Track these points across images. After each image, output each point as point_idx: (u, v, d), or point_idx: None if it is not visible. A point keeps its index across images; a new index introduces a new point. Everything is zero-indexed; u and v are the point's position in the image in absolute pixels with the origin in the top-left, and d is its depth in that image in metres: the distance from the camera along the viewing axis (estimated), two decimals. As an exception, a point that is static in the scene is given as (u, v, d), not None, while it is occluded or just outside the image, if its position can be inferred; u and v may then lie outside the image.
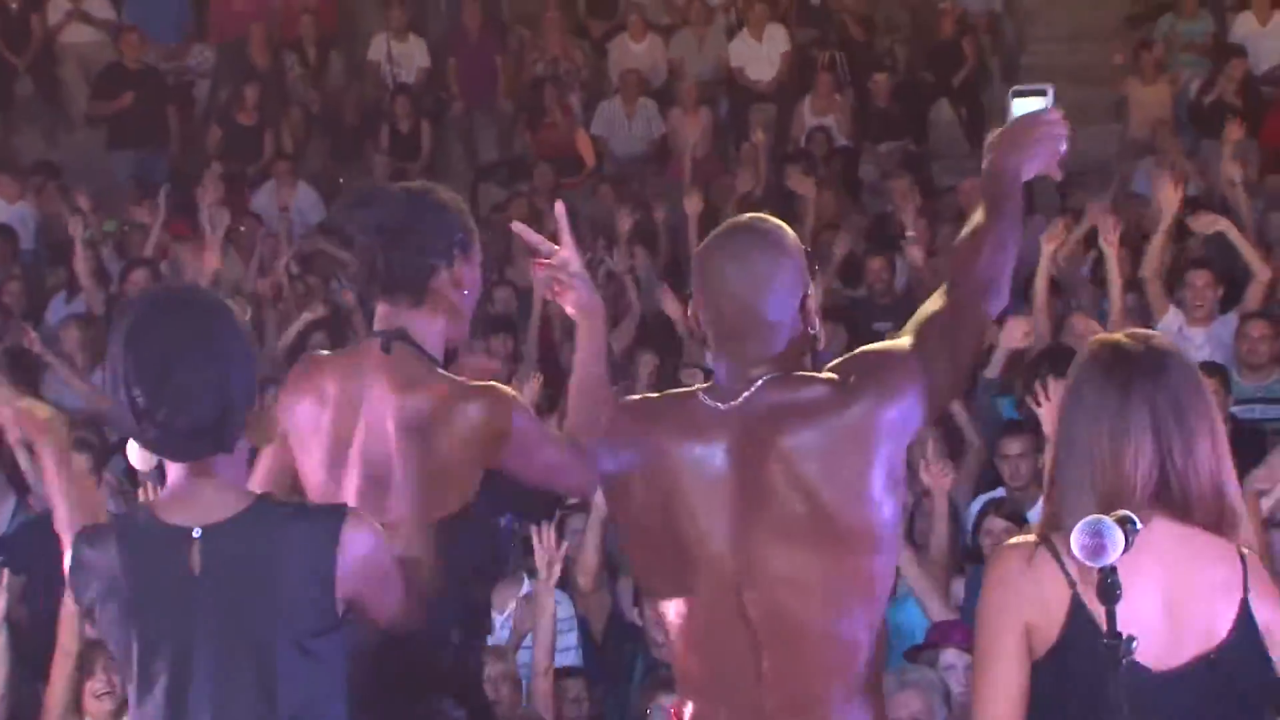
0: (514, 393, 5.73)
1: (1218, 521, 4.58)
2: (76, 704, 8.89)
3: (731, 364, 5.20)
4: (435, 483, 5.39)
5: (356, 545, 4.78)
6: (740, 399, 5.14)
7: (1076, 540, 4.31)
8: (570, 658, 9.78)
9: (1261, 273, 13.05)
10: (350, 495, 5.31)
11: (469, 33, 18.37)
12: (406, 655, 5.50)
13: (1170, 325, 12.66)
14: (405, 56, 18.26)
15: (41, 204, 16.52)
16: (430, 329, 5.58)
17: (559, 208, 5.80)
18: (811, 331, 5.33)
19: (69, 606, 8.68)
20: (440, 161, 17.89)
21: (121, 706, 8.59)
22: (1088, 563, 4.34)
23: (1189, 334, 12.77)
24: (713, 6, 18.29)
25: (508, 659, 9.41)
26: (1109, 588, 4.30)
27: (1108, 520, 4.30)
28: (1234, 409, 11.86)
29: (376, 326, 5.49)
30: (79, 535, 4.94)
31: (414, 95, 17.88)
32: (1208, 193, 15.05)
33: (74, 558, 4.91)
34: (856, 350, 5.48)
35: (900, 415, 5.24)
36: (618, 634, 9.83)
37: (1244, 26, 17.39)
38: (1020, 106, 5.72)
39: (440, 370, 5.63)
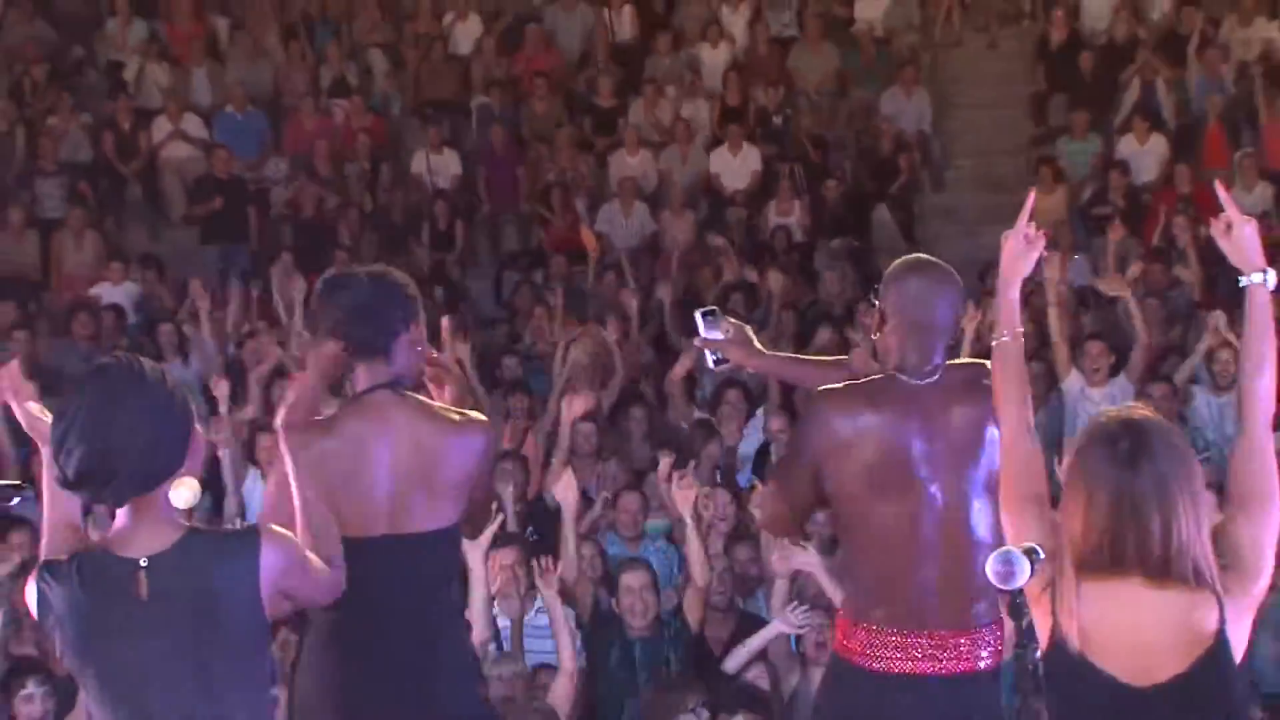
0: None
1: (1193, 580, 4.50)
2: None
3: (921, 354, 5.72)
4: (460, 490, 5.76)
5: (273, 558, 4.83)
6: (935, 377, 5.73)
7: (990, 567, 4.43)
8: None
9: (1144, 337, 13.15)
10: (415, 506, 5.66)
11: (495, 148, 18.33)
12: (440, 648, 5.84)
13: (1073, 386, 12.86)
14: (442, 167, 18.21)
15: (144, 287, 16.23)
16: (402, 378, 5.89)
17: (444, 323, 6.63)
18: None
19: None
20: (471, 253, 17.82)
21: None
22: (1000, 586, 4.47)
23: (1089, 394, 12.85)
24: (694, 128, 18.18)
25: (517, 660, 9.30)
26: (1017, 607, 4.31)
27: (1016, 551, 4.39)
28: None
29: (365, 384, 5.79)
30: (43, 567, 4.92)
31: (450, 199, 17.78)
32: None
33: (38, 588, 4.90)
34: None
35: None
36: (600, 626, 9.51)
37: (1127, 146, 17.47)
38: (703, 325, 6.37)
39: (438, 404, 6.06)
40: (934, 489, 5.70)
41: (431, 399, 6.00)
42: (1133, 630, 4.51)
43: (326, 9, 20.20)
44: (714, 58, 19.21)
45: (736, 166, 18.06)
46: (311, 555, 5.02)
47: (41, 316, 15.71)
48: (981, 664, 5.69)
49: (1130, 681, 4.48)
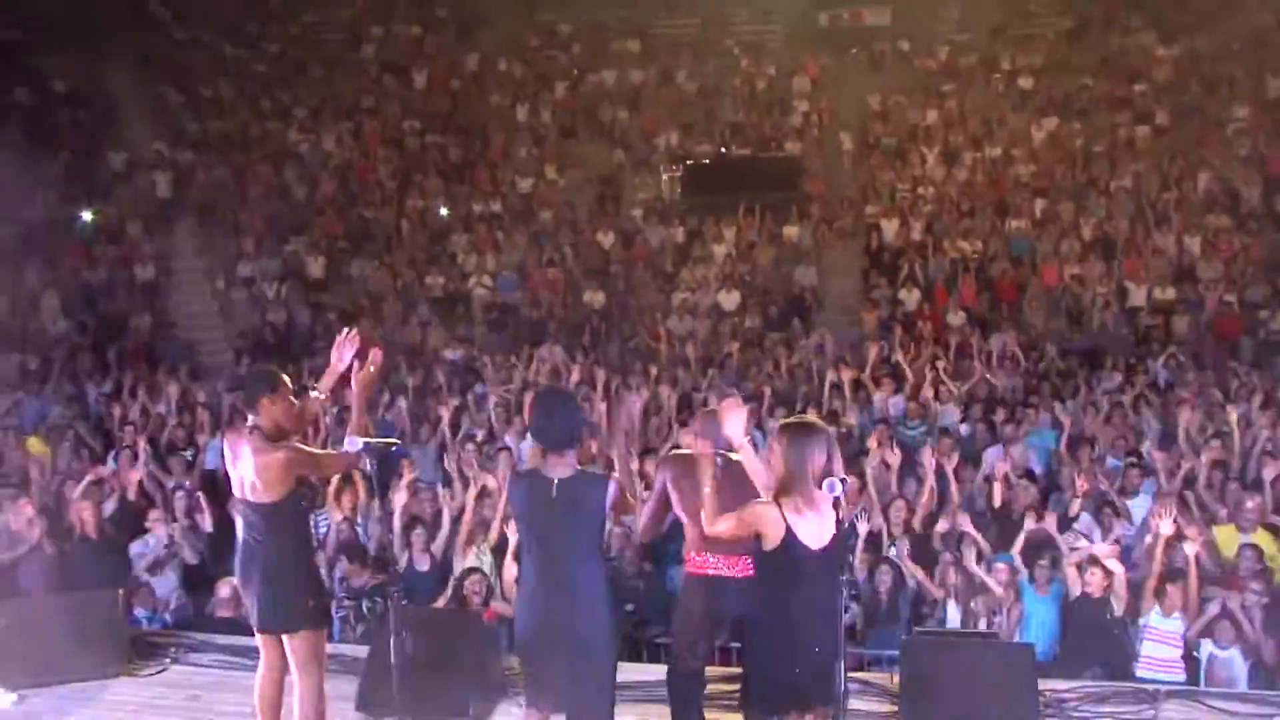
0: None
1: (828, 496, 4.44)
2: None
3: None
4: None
5: (613, 489, 4.73)
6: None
7: (826, 486, 4.34)
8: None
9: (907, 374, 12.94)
10: None
11: (625, 298, 18.65)
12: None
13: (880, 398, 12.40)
14: (596, 301, 18.32)
15: (464, 351, 16.25)
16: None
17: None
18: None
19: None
20: (609, 334, 17.44)
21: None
22: (831, 494, 4.34)
23: (893, 402, 12.61)
24: (710, 282, 18.21)
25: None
26: (838, 503, 4.40)
27: (836, 479, 4.36)
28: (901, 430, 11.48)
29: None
30: (514, 475, 4.96)
31: (600, 313, 18.00)
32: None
33: (510, 487, 4.95)
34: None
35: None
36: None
37: (904, 294, 17.49)
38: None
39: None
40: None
41: None
42: (818, 523, 4.49)
43: (543, 226, 20.33)
44: (717, 251, 19.26)
45: (728, 300, 17.99)
46: (626, 492, 4.82)
47: (420, 365, 15.33)
48: (734, 573, 5.27)
49: (814, 547, 4.50)
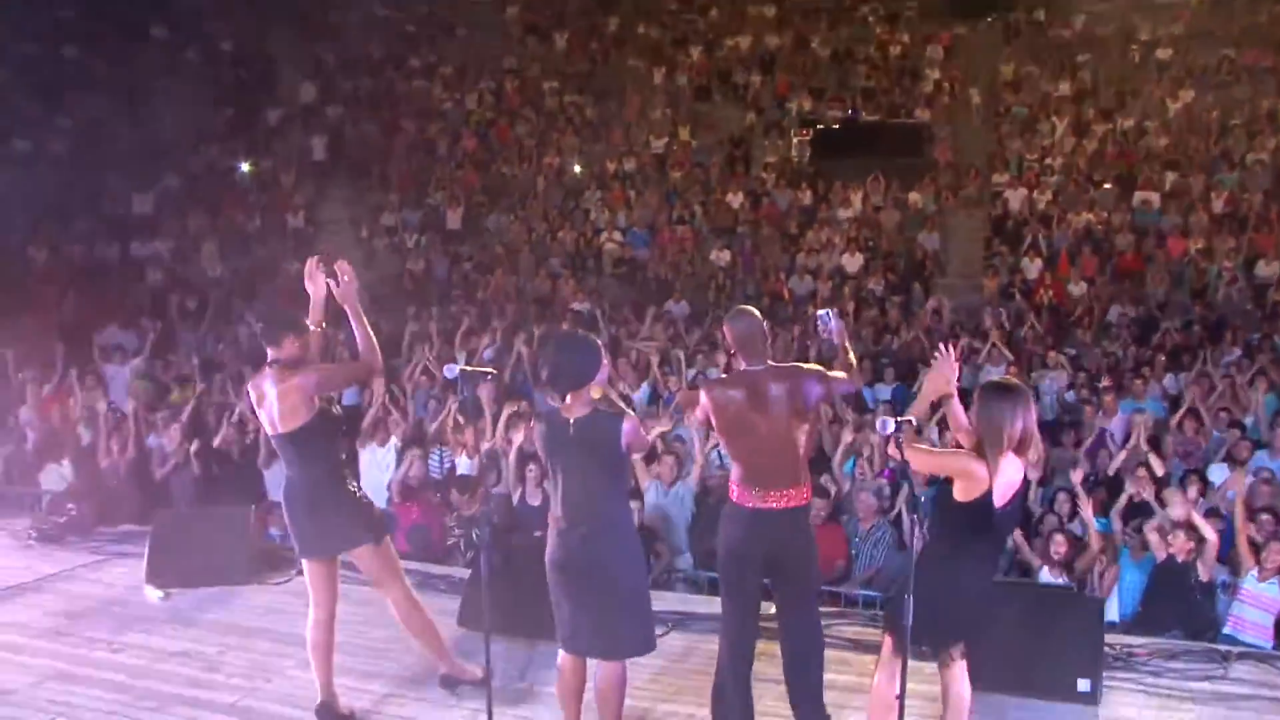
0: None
1: (1024, 451, 4.47)
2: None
3: (750, 358, 4.96)
4: None
5: (626, 427, 4.67)
6: (761, 367, 4.98)
7: (879, 425, 4.30)
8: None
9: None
10: None
11: (748, 250, 18.43)
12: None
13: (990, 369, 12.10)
14: (721, 259, 18.32)
15: (593, 303, 16.02)
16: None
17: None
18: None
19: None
20: (733, 293, 17.24)
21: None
22: (882, 434, 4.27)
23: (990, 369, 12.23)
24: (836, 245, 18.21)
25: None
26: (899, 442, 4.31)
27: (889, 419, 4.23)
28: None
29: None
30: (536, 415, 5.02)
31: (726, 272, 18.00)
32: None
33: (537, 424, 4.91)
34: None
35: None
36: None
37: (1027, 263, 17.31)
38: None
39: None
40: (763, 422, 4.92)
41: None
42: (1007, 480, 4.46)
43: (674, 185, 20.56)
44: (844, 214, 19.14)
45: (852, 262, 17.90)
46: (641, 429, 4.79)
47: (547, 316, 15.51)
48: (793, 504, 4.95)
49: (998, 504, 4.45)
